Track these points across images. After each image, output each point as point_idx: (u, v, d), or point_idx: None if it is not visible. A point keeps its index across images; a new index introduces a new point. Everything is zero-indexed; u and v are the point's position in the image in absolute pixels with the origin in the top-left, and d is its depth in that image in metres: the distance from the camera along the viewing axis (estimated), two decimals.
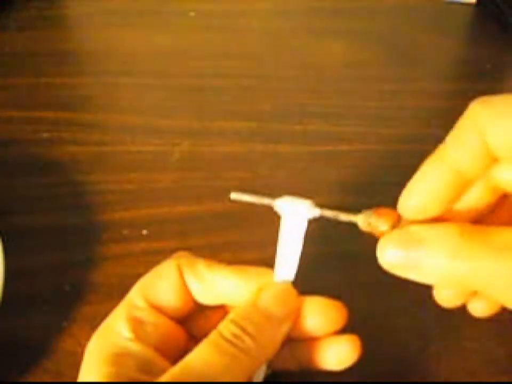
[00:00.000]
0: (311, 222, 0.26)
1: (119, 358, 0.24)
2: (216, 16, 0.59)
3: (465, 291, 0.24)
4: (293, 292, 0.26)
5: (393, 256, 0.22)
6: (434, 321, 0.34)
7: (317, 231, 0.26)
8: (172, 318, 0.27)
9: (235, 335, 0.24)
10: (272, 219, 0.40)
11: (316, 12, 0.60)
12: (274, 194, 0.42)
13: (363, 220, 0.24)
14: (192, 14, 0.58)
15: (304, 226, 0.26)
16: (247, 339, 0.24)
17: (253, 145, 0.45)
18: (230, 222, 0.39)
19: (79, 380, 0.24)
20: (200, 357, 0.23)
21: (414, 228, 0.22)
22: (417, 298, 0.35)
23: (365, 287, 0.35)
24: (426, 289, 0.25)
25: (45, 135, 0.45)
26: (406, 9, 0.61)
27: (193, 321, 0.28)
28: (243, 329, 0.24)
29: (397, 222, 0.23)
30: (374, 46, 0.56)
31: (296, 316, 0.26)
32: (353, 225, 0.39)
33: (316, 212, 0.26)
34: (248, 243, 0.38)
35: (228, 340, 0.24)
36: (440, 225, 0.22)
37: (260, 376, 0.26)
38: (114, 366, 0.24)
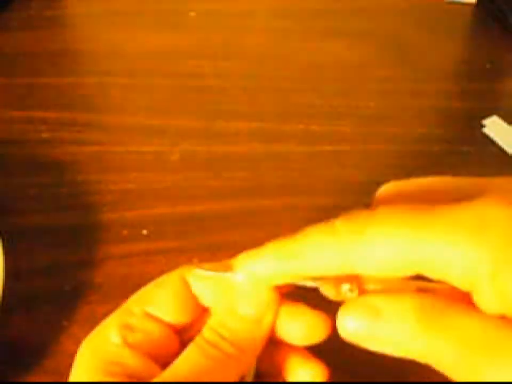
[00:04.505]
0: None
1: (108, 365, 0.24)
2: (216, 16, 0.59)
3: None
4: (268, 292, 0.25)
5: (352, 328, 0.22)
6: None
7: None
8: (170, 325, 0.27)
9: (215, 341, 0.24)
10: (273, 219, 0.41)
11: (316, 12, 0.60)
12: (274, 194, 0.42)
13: (327, 288, 0.24)
14: (192, 14, 0.58)
15: None
16: (226, 345, 0.24)
17: (253, 145, 0.45)
18: (230, 222, 0.39)
19: (70, 380, 0.24)
20: (187, 360, 0.24)
21: (372, 299, 0.22)
22: None
23: None
24: None
25: (45, 135, 0.45)
26: (406, 9, 0.61)
27: (191, 329, 0.28)
28: (220, 336, 0.24)
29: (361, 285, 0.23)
30: (374, 46, 0.56)
31: (275, 315, 0.25)
32: None
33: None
34: (248, 243, 0.38)
35: (211, 344, 0.24)
36: (399, 297, 0.21)
37: (250, 376, 0.26)
38: (103, 372, 0.24)
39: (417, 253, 0.20)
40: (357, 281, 0.23)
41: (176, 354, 0.26)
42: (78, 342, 0.26)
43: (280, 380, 0.27)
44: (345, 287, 0.23)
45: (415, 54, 0.56)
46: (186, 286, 0.27)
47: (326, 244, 0.22)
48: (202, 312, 0.27)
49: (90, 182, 0.42)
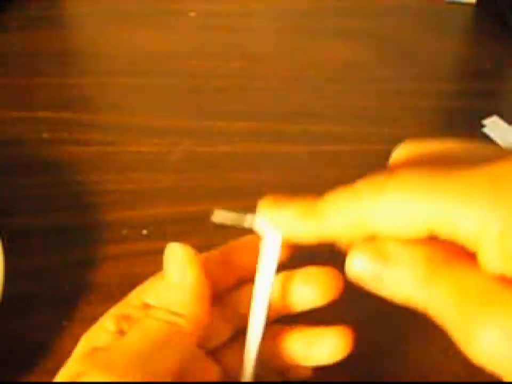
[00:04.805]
0: None
1: (95, 351, 0.24)
2: (216, 16, 0.59)
3: None
4: (185, 252, 0.26)
5: (361, 267, 0.22)
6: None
7: None
8: None
9: (157, 313, 0.25)
10: None
11: (316, 12, 0.60)
12: (274, 194, 0.42)
13: None
14: (192, 14, 0.59)
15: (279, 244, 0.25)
16: (162, 313, 0.25)
17: (253, 145, 0.45)
18: None
19: (62, 369, 0.25)
20: (131, 338, 0.24)
21: (383, 243, 0.22)
22: None
23: None
24: None
25: (45, 135, 0.45)
26: (406, 9, 0.61)
27: None
28: (157, 306, 0.25)
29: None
30: (374, 46, 0.56)
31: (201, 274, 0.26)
32: None
33: None
34: None
35: (154, 318, 0.25)
36: (411, 246, 0.22)
37: (248, 376, 0.26)
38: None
39: (431, 210, 0.20)
40: None
41: None
42: (78, 342, 0.26)
43: (305, 370, 0.28)
44: None
45: (415, 54, 0.56)
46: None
47: (346, 202, 0.23)
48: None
49: (90, 182, 0.42)
